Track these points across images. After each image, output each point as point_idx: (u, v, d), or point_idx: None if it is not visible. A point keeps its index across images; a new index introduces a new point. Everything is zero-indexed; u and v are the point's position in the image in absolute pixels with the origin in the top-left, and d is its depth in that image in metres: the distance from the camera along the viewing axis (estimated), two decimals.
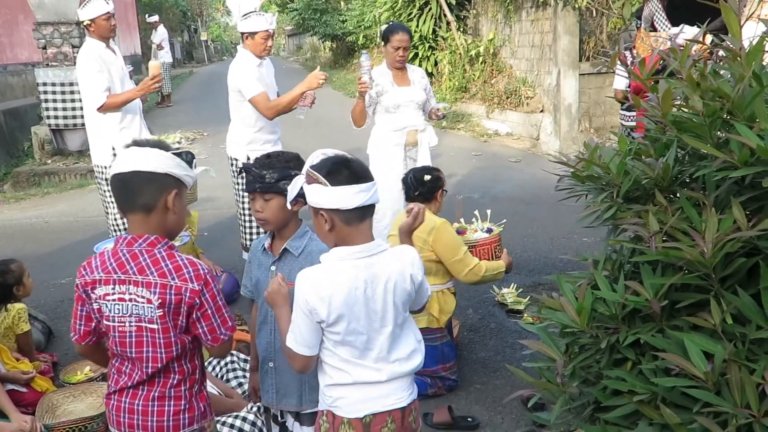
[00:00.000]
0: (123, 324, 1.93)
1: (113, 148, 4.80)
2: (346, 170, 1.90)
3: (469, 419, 3.30)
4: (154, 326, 1.92)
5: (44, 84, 9.48)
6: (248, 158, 4.78)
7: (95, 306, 1.97)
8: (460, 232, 3.83)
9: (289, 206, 2.13)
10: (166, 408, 1.98)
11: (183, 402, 2.00)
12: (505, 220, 4.02)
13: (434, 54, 13.22)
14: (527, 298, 4.58)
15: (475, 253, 3.64)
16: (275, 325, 2.32)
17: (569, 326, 1.88)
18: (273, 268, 2.37)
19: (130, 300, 1.91)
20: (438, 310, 3.51)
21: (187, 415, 2.00)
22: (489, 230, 3.84)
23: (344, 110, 16.51)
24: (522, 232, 6.20)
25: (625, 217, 1.93)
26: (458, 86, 12.56)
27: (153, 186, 1.94)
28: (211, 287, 1.96)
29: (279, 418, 2.58)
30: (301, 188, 1.98)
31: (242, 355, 3.57)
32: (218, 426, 2.93)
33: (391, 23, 4.69)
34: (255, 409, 2.98)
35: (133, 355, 1.95)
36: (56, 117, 9.58)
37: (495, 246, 3.71)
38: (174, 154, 1.99)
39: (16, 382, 3.44)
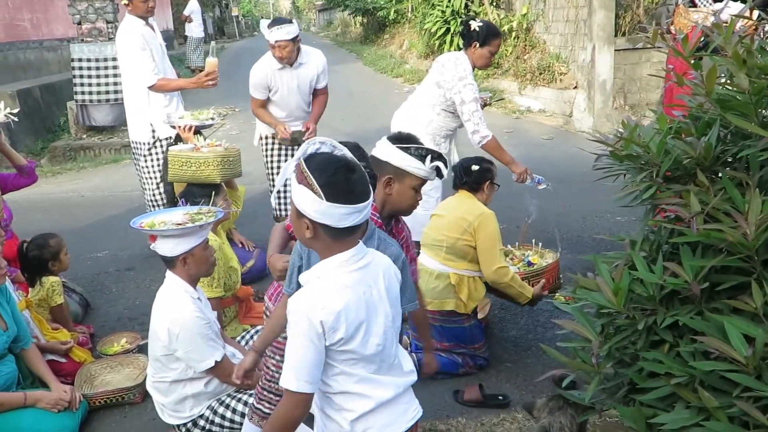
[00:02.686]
0: None
1: (152, 125, 4.86)
2: (347, 184, 1.70)
3: (499, 397, 3.30)
4: None
5: (79, 60, 9.58)
6: (264, 137, 5.00)
7: None
8: None
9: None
10: None
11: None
12: (554, 260, 3.89)
13: None
14: (560, 279, 4.54)
15: None
16: None
17: (605, 307, 1.86)
18: None
19: None
20: (467, 296, 3.49)
21: None
22: (530, 263, 3.81)
23: (374, 86, 16.40)
24: (554, 210, 6.14)
25: (665, 197, 1.90)
26: None
27: (377, 168, 2.45)
28: None
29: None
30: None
31: None
32: (247, 397, 2.98)
33: (490, 23, 4.51)
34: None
35: None
36: (90, 93, 9.70)
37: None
38: (416, 150, 2.49)
39: (56, 353, 3.53)
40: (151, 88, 4.76)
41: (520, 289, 3.53)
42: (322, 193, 1.68)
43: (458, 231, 3.48)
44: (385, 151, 2.52)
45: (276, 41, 4.52)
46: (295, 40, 4.58)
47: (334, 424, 1.84)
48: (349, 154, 1.81)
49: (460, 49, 4.53)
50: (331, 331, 1.70)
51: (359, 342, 1.75)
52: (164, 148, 4.84)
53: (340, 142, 2.21)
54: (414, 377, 1.96)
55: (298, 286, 2.21)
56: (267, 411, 2.70)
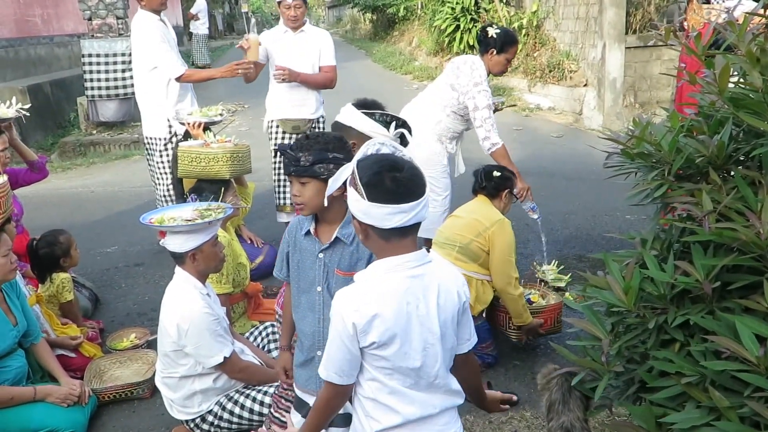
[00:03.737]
0: None
1: (168, 120, 4.86)
2: (390, 183, 1.64)
3: None
4: None
5: (89, 55, 9.63)
6: (270, 122, 5.06)
7: None
8: None
9: (325, 201, 1.95)
10: None
11: None
12: (556, 302, 3.82)
13: (476, 26, 13.01)
14: (568, 276, 4.53)
15: (499, 315, 3.70)
16: (323, 314, 2.20)
17: (616, 305, 1.85)
18: (321, 255, 2.21)
19: None
20: (474, 298, 3.47)
21: None
22: (529, 301, 3.80)
23: (383, 83, 16.37)
24: (563, 208, 6.12)
25: (677, 195, 1.89)
26: None
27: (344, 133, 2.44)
28: None
29: (310, 405, 2.32)
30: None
31: None
32: (255, 393, 3.00)
33: (508, 29, 4.47)
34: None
35: None
36: (99, 88, 9.75)
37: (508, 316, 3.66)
38: (381, 116, 2.48)
39: (65, 348, 3.55)
40: (178, 79, 4.74)
41: (523, 309, 3.53)
42: (364, 193, 1.65)
43: (473, 233, 3.48)
44: (349, 116, 2.52)
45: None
46: (305, 1, 4.83)
47: (362, 430, 1.82)
48: (402, 154, 1.78)
49: (470, 46, 4.54)
50: (362, 334, 1.67)
51: (393, 352, 1.69)
52: None
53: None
54: (460, 400, 1.87)
55: (289, 271, 2.32)
56: (284, 420, 2.67)
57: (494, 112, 4.50)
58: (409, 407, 1.76)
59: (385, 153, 1.77)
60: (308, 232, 2.24)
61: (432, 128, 4.39)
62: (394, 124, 2.47)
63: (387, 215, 1.64)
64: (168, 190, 4.99)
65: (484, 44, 4.33)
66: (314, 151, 2.14)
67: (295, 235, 2.29)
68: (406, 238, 1.71)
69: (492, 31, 4.27)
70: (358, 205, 1.67)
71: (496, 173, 3.64)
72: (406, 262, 1.70)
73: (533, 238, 5.39)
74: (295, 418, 2.42)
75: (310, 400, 2.33)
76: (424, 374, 1.74)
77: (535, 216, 4.39)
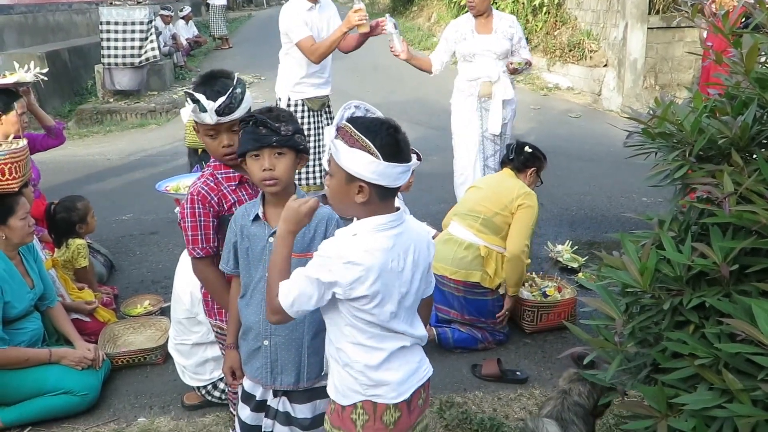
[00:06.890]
0: None
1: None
2: (396, 144, 1.73)
3: (517, 373, 3.31)
4: None
5: (107, 23, 9.62)
6: (289, 99, 4.65)
7: None
8: None
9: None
10: None
11: None
12: (570, 296, 3.82)
13: (496, 3, 12.87)
14: (585, 258, 4.51)
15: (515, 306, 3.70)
16: None
17: (631, 286, 1.84)
18: (272, 239, 2.05)
19: None
20: (493, 270, 3.48)
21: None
22: (545, 295, 3.81)
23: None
24: (579, 189, 6.09)
25: (697, 176, 1.86)
26: None
27: None
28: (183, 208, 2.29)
29: (256, 398, 2.28)
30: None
31: None
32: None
33: None
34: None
35: None
36: (115, 56, 9.75)
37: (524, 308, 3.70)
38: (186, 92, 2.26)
39: (81, 312, 3.59)
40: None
41: (520, 279, 3.54)
42: (379, 154, 1.68)
43: (498, 206, 3.48)
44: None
45: None
46: None
47: (351, 379, 1.83)
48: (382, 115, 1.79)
49: None
50: (350, 289, 1.70)
51: (373, 306, 1.74)
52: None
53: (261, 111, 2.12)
54: (424, 340, 1.94)
55: (235, 263, 2.17)
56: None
57: (514, 72, 4.55)
58: (388, 343, 1.83)
59: (370, 115, 1.82)
60: (257, 217, 2.10)
61: (457, 85, 4.66)
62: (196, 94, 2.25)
63: (399, 174, 1.73)
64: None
65: None
66: (291, 121, 2.05)
67: (242, 223, 2.15)
68: (393, 198, 1.80)
69: None
70: (374, 166, 1.69)
71: (527, 149, 3.65)
72: (390, 222, 1.76)
73: (546, 217, 5.37)
74: (244, 413, 2.30)
75: (258, 390, 2.25)
76: (396, 323, 1.82)
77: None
